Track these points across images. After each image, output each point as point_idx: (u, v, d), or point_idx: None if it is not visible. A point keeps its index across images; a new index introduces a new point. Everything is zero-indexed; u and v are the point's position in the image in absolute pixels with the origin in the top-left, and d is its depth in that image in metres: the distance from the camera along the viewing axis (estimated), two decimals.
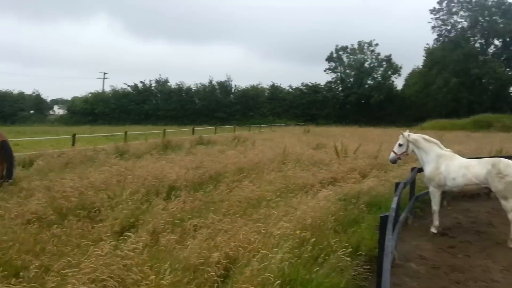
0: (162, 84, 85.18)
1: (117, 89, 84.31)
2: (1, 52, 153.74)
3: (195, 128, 37.29)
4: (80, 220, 7.33)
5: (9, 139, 12.24)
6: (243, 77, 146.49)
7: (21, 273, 5.16)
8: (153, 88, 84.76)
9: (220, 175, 12.30)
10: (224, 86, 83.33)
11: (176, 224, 7.33)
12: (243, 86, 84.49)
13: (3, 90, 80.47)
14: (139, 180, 10.57)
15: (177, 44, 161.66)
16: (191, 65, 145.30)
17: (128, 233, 6.49)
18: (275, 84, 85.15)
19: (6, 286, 4.70)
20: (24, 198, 8.73)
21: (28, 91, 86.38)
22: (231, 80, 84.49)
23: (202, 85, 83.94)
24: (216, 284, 5.07)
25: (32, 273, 5.07)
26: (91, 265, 5.04)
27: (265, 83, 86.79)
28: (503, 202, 8.23)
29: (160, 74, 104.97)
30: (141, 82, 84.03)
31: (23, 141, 23.11)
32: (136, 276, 4.95)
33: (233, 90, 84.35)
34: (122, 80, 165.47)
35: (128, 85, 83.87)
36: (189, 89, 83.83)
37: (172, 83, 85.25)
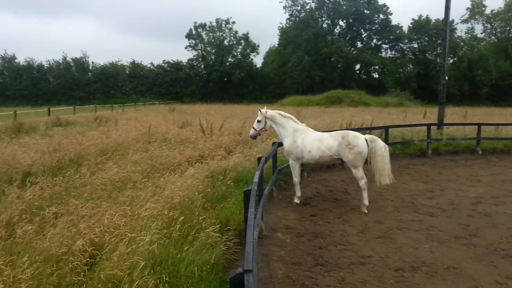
0: (8, 60, 76.76)
1: None
2: None
3: (51, 109, 34.49)
4: None
5: None
6: (101, 54, 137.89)
7: None
8: None
9: (81, 158, 11.70)
10: (81, 63, 78.08)
11: (34, 213, 6.81)
12: (101, 63, 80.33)
13: None
14: None
15: (23, 17, 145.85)
16: (41, 40, 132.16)
17: None
18: (136, 62, 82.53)
19: None
20: None
21: None
22: (88, 57, 79.89)
23: (55, 62, 77.80)
24: (82, 273, 4.86)
25: None
26: None
27: (125, 60, 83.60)
28: (354, 171, 9.12)
29: (5, 50, 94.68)
30: None
31: None
32: None
33: (90, 67, 79.44)
34: None
35: None
36: (40, 66, 76.93)
37: (21, 59, 77.95)
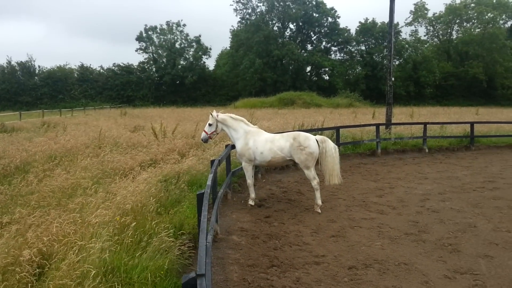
0: None
1: None
2: None
3: None
4: None
5: None
6: (47, 57, 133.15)
7: None
8: None
9: (28, 165, 11.28)
10: (26, 67, 74.85)
11: None
12: (49, 67, 77.28)
13: None
14: None
15: None
16: None
17: None
18: (85, 65, 79.93)
19: None
20: None
21: None
22: (34, 60, 76.59)
23: None
24: (30, 284, 4.67)
25: None
26: None
27: (73, 64, 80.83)
28: (306, 171, 9.26)
29: None
30: None
31: None
32: None
33: (37, 71, 76.35)
34: None
35: None
36: None
37: None
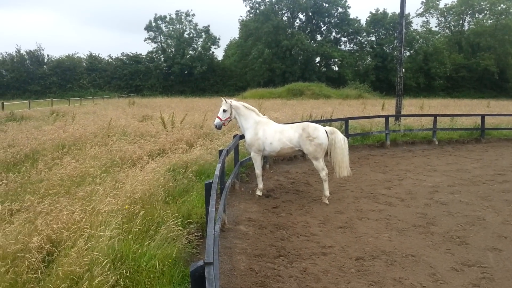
0: None
1: None
2: None
3: (5, 103, 33.16)
4: None
5: None
6: (56, 46, 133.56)
7: None
8: None
9: (37, 153, 11.35)
10: (35, 56, 74.90)
11: None
12: (57, 56, 77.26)
13: None
14: None
15: None
16: None
17: None
18: (94, 54, 79.97)
19: None
20: None
21: None
22: (43, 49, 76.92)
23: (8, 54, 73.97)
24: (39, 271, 4.72)
25: None
26: None
27: (82, 53, 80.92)
28: (314, 162, 9.24)
29: None
30: None
31: None
32: None
33: (46, 60, 76.38)
34: None
35: None
36: None
37: None
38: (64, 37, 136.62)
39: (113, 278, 4.52)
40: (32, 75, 71.72)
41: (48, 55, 77.05)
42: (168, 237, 5.80)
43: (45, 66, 75.22)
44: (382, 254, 6.22)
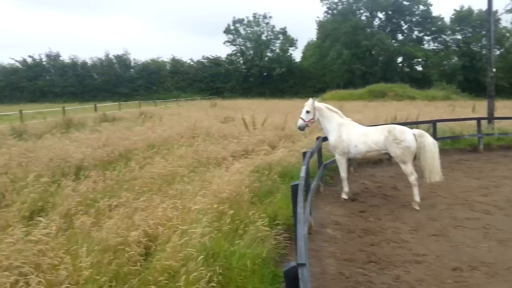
0: (54, 58, 78.82)
1: (4, 65, 76.58)
2: None
3: (97, 105, 35.48)
4: None
5: None
6: (141, 51, 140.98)
7: None
8: (44, 62, 78.27)
9: (129, 152, 11.92)
10: (123, 60, 79.40)
11: (89, 205, 7.00)
12: (142, 60, 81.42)
13: None
14: (43, 161, 9.91)
15: (66, 14, 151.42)
16: (82, 37, 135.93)
17: (39, 217, 6.06)
18: (176, 58, 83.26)
19: None
20: None
21: None
22: (129, 54, 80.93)
23: (98, 59, 79.27)
24: (139, 263, 4.95)
25: None
26: (3, 253, 4.69)
27: (166, 57, 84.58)
28: (402, 166, 8.89)
29: (49, 48, 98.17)
30: (30, 56, 77.33)
31: None
32: (53, 261, 4.68)
33: (132, 64, 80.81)
34: (7, 55, 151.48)
35: (16, 61, 76.60)
36: (84, 63, 78.77)
37: (65, 57, 79.70)
38: (148, 42, 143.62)
39: (207, 274, 4.61)
40: (121, 79, 76.16)
41: (134, 59, 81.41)
42: (256, 237, 5.84)
43: (132, 70, 79.54)
44: (481, 265, 5.82)
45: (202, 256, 4.85)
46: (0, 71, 75.46)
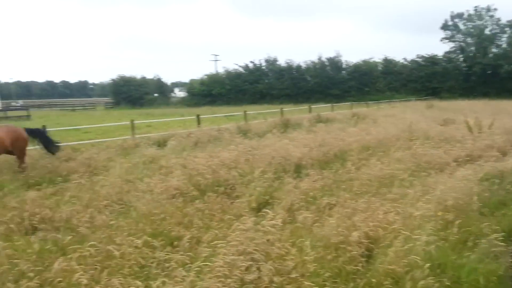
0: (272, 63, 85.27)
1: (230, 70, 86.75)
2: (123, 40, 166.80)
3: (311, 106, 37.08)
4: (218, 196, 7.72)
5: (142, 121, 13.20)
6: (351, 52, 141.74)
7: (175, 243, 5.58)
8: (263, 67, 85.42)
9: (344, 153, 12.09)
10: (334, 62, 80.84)
11: (309, 202, 7.37)
12: (354, 61, 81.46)
13: (128, 76, 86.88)
14: (266, 159, 10.80)
15: (282, 21, 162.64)
16: (297, 42, 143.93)
17: (265, 210, 6.64)
18: (388, 58, 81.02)
19: (166, 254, 5.10)
20: (165, 174, 9.45)
21: (149, 75, 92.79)
22: (341, 56, 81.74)
23: (311, 62, 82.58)
24: (360, 264, 4.99)
25: (186, 244, 5.45)
26: (237, 239, 5.27)
27: (376, 57, 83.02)
28: None
29: (268, 53, 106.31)
30: (251, 62, 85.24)
31: (153, 122, 25.11)
32: (280, 251, 5.07)
33: (343, 65, 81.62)
34: (231, 61, 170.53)
35: (240, 66, 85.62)
36: (299, 67, 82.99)
37: (281, 61, 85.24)
38: (359, 43, 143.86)
39: (435, 285, 4.37)
40: (333, 80, 78.01)
41: (345, 61, 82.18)
42: (489, 252, 5.29)
43: (343, 72, 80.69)
44: None
45: (428, 265, 4.62)
46: (227, 75, 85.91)
